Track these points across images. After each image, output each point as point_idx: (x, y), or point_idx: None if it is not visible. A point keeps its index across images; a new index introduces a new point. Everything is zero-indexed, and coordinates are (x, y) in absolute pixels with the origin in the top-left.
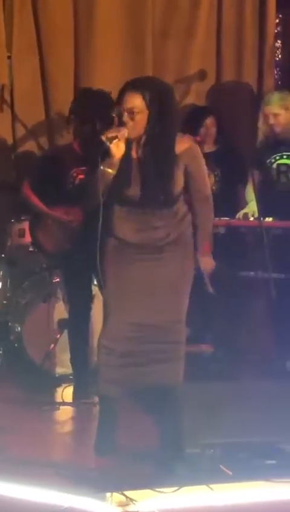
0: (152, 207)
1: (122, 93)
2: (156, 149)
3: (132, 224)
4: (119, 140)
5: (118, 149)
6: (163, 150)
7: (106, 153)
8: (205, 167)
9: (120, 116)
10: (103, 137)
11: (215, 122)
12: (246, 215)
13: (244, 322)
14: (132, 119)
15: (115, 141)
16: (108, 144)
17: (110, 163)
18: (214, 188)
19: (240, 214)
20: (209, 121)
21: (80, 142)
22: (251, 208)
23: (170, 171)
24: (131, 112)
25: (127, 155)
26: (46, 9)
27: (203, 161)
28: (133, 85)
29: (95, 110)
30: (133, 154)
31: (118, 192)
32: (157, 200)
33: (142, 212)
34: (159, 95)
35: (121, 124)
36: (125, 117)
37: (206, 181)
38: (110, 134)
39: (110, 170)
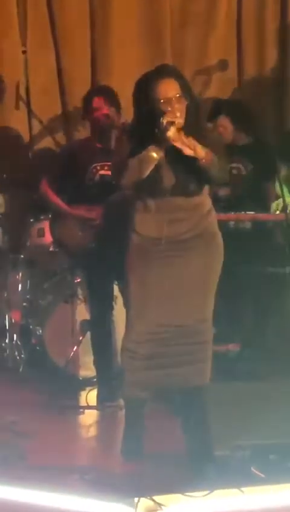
0: (182, 197)
1: (157, 82)
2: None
3: (156, 217)
4: (175, 126)
5: (172, 135)
6: (198, 137)
7: (156, 138)
8: None
9: (163, 106)
10: (164, 121)
11: (229, 120)
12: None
13: (272, 320)
14: (180, 106)
15: (172, 127)
16: (166, 129)
17: (158, 149)
18: (243, 182)
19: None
20: (221, 122)
21: (96, 136)
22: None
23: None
24: (179, 100)
25: None
26: (60, 3)
27: None
28: (168, 73)
29: (107, 104)
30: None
31: (150, 182)
32: (189, 188)
33: (170, 203)
34: (188, 83)
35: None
36: (175, 104)
37: None
38: (170, 119)
39: (155, 155)
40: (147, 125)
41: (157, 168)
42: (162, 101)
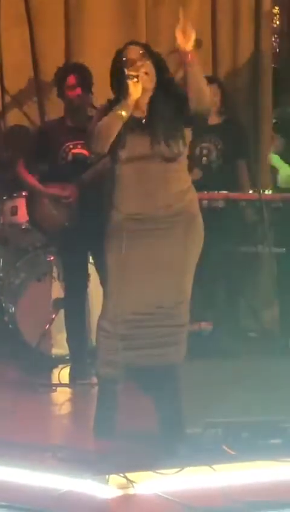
0: (158, 164)
1: (123, 51)
2: (166, 102)
3: (132, 190)
4: (138, 81)
5: (135, 89)
6: (173, 103)
7: (122, 94)
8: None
9: (129, 75)
10: (126, 72)
11: (218, 91)
12: None
13: (245, 299)
14: (144, 63)
15: (134, 80)
16: (127, 80)
17: (125, 105)
18: (214, 162)
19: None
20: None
21: (70, 115)
22: (287, 172)
23: (180, 125)
24: (142, 57)
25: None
26: None
27: None
28: (132, 42)
29: (82, 82)
30: (140, 111)
31: (122, 150)
32: (164, 155)
33: (146, 173)
34: (154, 52)
35: (128, 85)
36: (138, 62)
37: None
38: (133, 72)
39: (124, 113)
40: (119, 94)
41: (132, 129)
42: (124, 59)
